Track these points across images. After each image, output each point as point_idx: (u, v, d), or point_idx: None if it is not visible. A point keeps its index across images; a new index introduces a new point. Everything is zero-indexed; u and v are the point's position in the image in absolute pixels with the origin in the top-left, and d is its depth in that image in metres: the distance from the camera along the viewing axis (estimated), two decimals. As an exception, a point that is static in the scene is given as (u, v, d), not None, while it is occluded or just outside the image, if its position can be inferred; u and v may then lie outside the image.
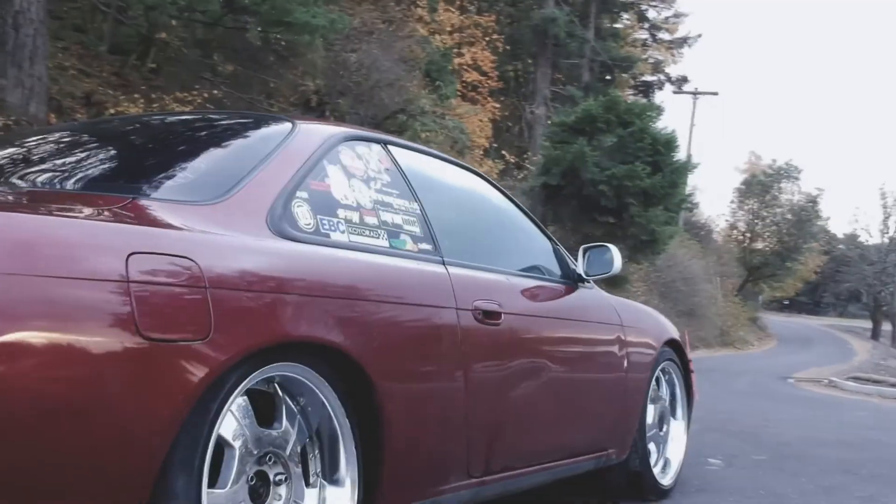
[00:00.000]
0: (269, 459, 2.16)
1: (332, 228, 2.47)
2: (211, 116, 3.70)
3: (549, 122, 23.77)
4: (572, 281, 3.64)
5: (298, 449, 2.23)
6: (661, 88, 32.93)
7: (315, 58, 13.63)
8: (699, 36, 31.90)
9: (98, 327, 1.74)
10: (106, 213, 1.98)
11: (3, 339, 1.60)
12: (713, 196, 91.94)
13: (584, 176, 17.74)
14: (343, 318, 2.26)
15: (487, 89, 23.48)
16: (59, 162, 2.63)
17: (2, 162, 2.63)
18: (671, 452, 4.31)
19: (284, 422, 2.21)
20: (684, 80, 33.16)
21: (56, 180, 2.41)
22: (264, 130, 2.71)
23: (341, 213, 2.54)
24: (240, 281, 2.02)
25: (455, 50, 21.06)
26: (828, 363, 22.75)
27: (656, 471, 4.10)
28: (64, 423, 1.69)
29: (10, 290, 1.63)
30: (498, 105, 23.74)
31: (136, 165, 2.53)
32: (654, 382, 4.10)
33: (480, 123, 21.21)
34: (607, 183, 17.74)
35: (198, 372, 1.86)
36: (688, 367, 4.47)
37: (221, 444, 2.01)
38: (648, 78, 32.51)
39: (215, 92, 12.33)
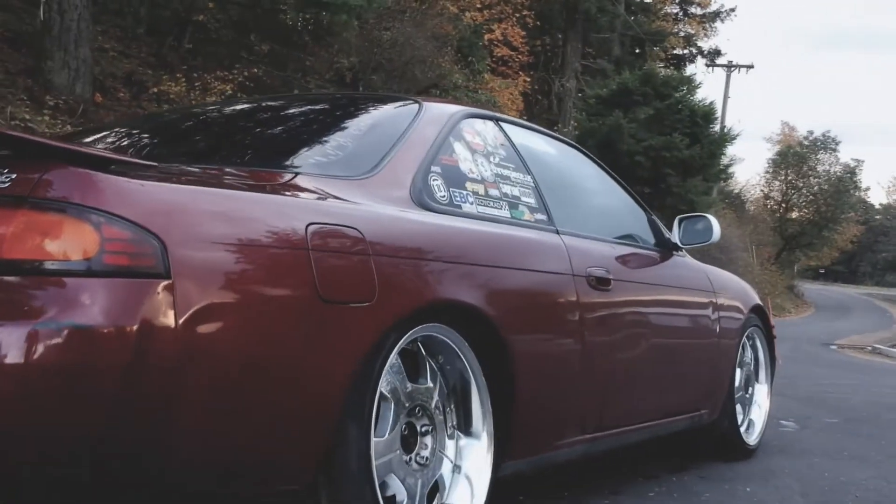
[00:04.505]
0: (417, 412, 2.29)
1: (463, 200, 2.61)
2: (345, 98, 3.87)
3: (581, 95, 23.63)
4: (667, 249, 3.72)
5: (441, 403, 2.36)
6: (692, 61, 32.44)
7: (349, 36, 13.67)
8: (733, 10, 31.24)
9: (285, 292, 1.88)
10: (279, 188, 2.14)
11: (206, 299, 1.71)
12: (745, 167, 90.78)
13: (620, 147, 17.68)
14: (480, 282, 2.40)
15: (518, 64, 23.38)
16: (219, 142, 2.77)
17: (172, 142, 2.79)
18: (755, 414, 4.38)
19: (428, 378, 2.33)
20: (717, 53, 32.57)
21: (224, 159, 2.49)
22: (395, 110, 2.84)
23: (469, 185, 2.67)
24: (397, 249, 2.18)
25: (485, 26, 20.97)
26: (868, 331, 22.53)
27: (741, 430, 4.16)
28: (257, 381, 1.81)
29: (208, 259, 1.74)
30: (528, 79, 23.63)
31: (289, 144, 2.64)
32: (740, 347, 4.16)
33: (511, 97, 21.17)
34: (644, 154, 17.69)
35: (367, 331, 2.01)
36: (771, 332, 4.53)
37: (379, 398, 2.12)
38: (679, 51, 32.07)
39: (255, 70, 12.40)
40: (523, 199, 2.91)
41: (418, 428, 2.30)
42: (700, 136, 18.18)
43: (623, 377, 3.15)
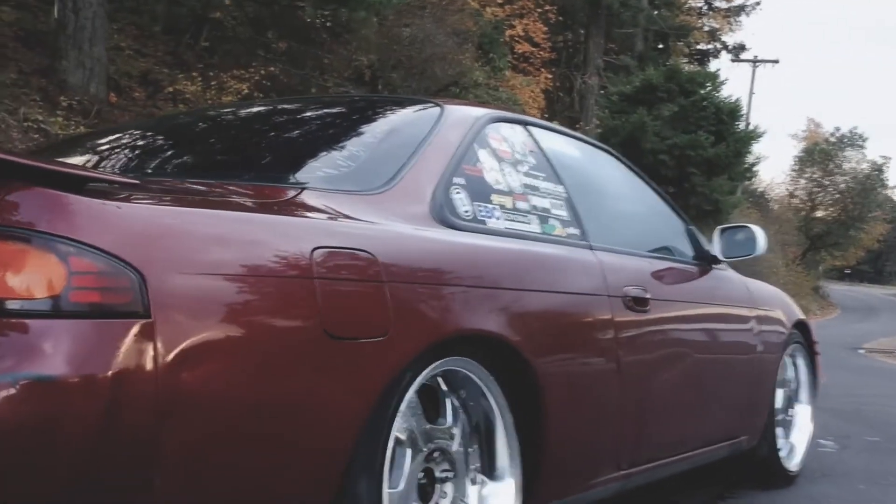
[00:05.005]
0: (436, 456, 2.05)
1: (488, 215, 2.35)
2: (360, 101, 3.59)
3: (604, 91, 23.36)
4: (706, 262, 3.44)
5: (462, 444, 2.12)
6: (716, 57, 32.14)
7: (368, 33, 13.48)
8: (757, 3, 30.53)
9: (286, 328, 1.65)
10: (281, 206, 1.90)
11: (192, 339, 1.48)
12: (770, 164, 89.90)
13: (643, 145, 17.39)
14: (508, 308, 2.15)
15: (539, 60, 23.14)
16: (217, 151, 2.56)
17: (163, 152, 2.59)
18: (796, 438, 4.09)
19: (449, 416, 2.09)
20: (742, 48, 32.20)
21: (221, 171, 2.26)
22: (414, 114, 2.60)
23: (495, 198, 2.41)
24: (414, 274, 1.94)
25: (506, 22, 20.75)
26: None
27: (782, 455, 3.88)
28: (256, 423, 1.58)
29: (195, 293, 1.51)
30: (550, 75, 23.37)
31: (295, 154, 2.39)
32: (781, 365, 3.90)
33: (533, 94, 20.94)
34: (668, 153, 17.41)
35: (380, 370, 1.78)
36: (813, 348, 4.24)
37: (394, 444, 1.90)
38: (704, 46, 31.73)
39: (272, 69, 12.22)
40: (554, 211, 2.65)
41: (437, 474, 2.05)
42: (725, 134, 17.88)
43: (662, 406, 2.89)
